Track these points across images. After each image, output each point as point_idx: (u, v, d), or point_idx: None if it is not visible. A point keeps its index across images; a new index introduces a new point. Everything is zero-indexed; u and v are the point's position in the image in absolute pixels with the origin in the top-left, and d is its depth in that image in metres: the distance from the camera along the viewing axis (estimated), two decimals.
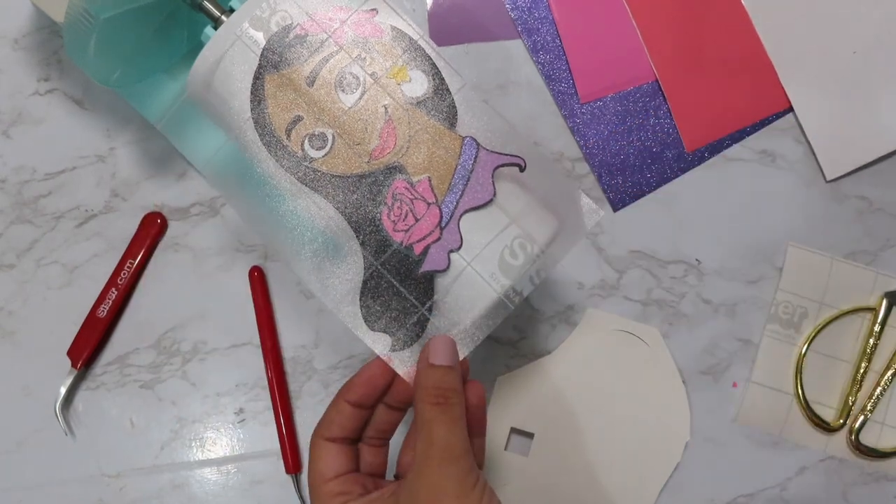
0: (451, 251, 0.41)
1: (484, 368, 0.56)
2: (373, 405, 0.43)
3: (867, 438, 0.56)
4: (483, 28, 0.58)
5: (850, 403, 0.56)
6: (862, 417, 0.56)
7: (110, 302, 0.55)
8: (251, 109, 0.42)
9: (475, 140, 0.42)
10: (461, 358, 0.42)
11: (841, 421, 0.56)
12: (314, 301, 0.56)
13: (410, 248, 0.41)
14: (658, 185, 0.58)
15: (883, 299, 0.56)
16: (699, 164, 0.58)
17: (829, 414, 0.56)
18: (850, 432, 0.56)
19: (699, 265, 0.58)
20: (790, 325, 0.57)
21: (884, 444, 0.56)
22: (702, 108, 0.58)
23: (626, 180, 0.58)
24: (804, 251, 0.57)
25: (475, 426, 0.42)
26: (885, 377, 0.56)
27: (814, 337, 0.56)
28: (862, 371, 0.56)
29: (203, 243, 0.57)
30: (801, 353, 0.56)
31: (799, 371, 0.56)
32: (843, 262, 0.57)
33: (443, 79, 0.42)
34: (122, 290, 0.56)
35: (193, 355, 0.56)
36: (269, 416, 0.56)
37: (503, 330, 0.57)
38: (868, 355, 0.56)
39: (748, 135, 0.58)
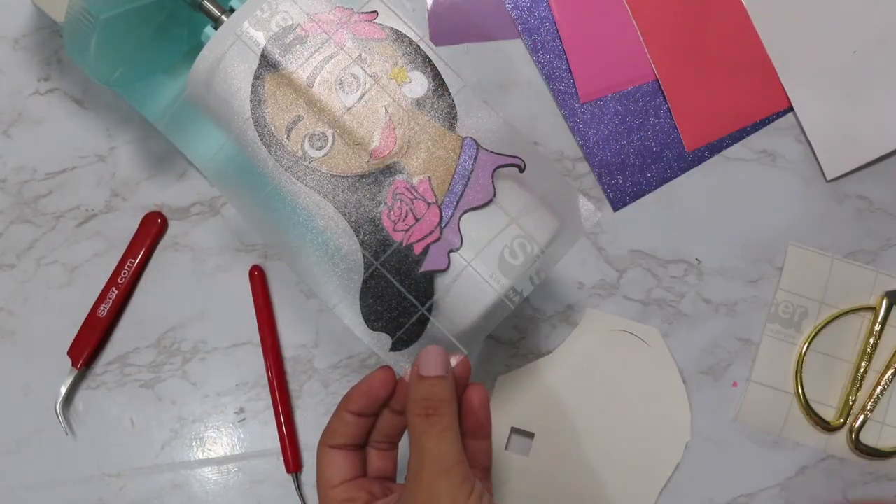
0: (452, 251, 0.41)
1: (484, 368, 0.56)
2: (375, 413, 0.42)
3: (867, 438, 0.56)
4: (483, 28, 0.58)
5: (851, 403, 0.56)
6: (862, 417, 0.56)
7: (110, 301, 0.55)
8: (251, 109, 0.42)
9: (475, 140, 0.42)
10: (464, 355, 0.42)
11: (841, 420, 0.56)
12: (314, 301, 0.56)
13: (410, 248, 0.41)
14: (658, 185, 0.58)
15: (883, 299, 0.56)
16: (699, 163, 0.58)
17: (829, 413, 0.56)
18: (851, 431, 0.56)
19: (699, 265, 0.58)
20: (790, 325, 0.57)
21: (884, 443, 0.56)
22: (702, 107, 0.58)
23: (626, 180, 0.58)
24: (805, 251, 0.57)
25: (479, 429, 0.42)
26: (886, 377, 0.56)
27: (814, 336, 0.56)
28: (862, 370, 0.56)
29: (203, 243, 0.57)
30: (801, 353, 0.56)
31: (799, 370, 0.56)
32: (843, 262, 0.57)
33: (442, 80, 0.42)
34: (122, 290, 0.56)
35: (194, 355, 0.56)
36: (270, 415, 0.56)
37: (503, 330, 0.57)
38: (868, 355, 0.56)
39: (748, 134, 0.58)
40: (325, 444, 0.42)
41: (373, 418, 0.43)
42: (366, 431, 0.43)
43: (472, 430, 0.42)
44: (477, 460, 0.42)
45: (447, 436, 0.38)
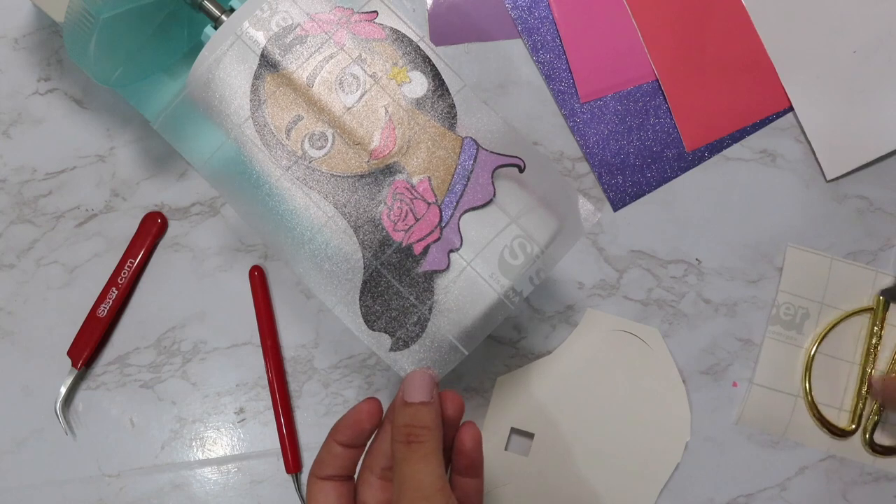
0: (451, 251, 0.41)
1: (484, 368, 0.56)
2: (363, 444, 0.42)
3: (880, 438, 0.56)
4: (483, 28, 0.58)
5: (861, 406, 0.56)
6: (875, 419, 0.56)
7: (110, 302, 0.55)
8: (251, 109, 0.42)
9: (475, 141, 0.42)
10: (466, 353, 0.42)
11: (853, 426, 0.56)
12: (314, 301, 0.56)
13: (410, 248, 0.41)
14: (658, 185, 0.58)
15: (879, 298, 0.56)
16: (699, 163, 0.58)
17: (833, 414, 0.56)
18: (864, 433, 0.56)
19: (699, 265, 0.58)
20: (792, 327, 0.57)
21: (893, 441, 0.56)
22: (702, 107, 0.58)
23: (626, 180, 0.58)
24: (804, 252, 0.57)
25: (471, 468, 0.42)
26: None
27: (822, 339, 0.56)
28: (869, 372, 0.56)
29: (203, 243, 0.57)
30: (809, 356, 0.56)
31: (808, 373, 0.56)
32: (842, 262, 0.57)
33: (442, 80, 0.42)
34: (122, 290, 0.56)
35: (193, 355, 0.56)
36: (270, 415, 0.56)
37: (503, 330, 0.57)
38: (872, 356, 0.56)
39: (748, 134, 0.58)
40: (313, 474, 0.42)
41: (360, 450, 0.42)
42: (354, 462, 0.42)
43: (464, 469, 0.42)
44: (468, 497, 0.42)
45: (429, 462, 0.38)
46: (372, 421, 0.41)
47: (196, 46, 0.44)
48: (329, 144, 0.42)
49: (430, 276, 0.41)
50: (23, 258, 0.57)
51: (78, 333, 0.55)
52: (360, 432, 0.41)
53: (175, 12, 0.48)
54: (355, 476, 0.43)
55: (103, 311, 0.55)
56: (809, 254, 0.57)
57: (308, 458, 0.56)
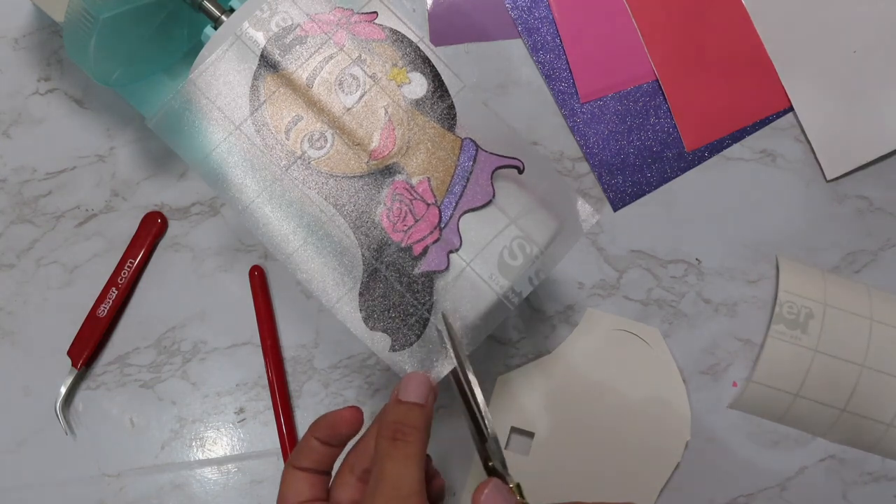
0: (451, 252, 0.41)
1: (484, 368, 0.56)
2: (340, 445, 0.42)
3: None
4: (483, 28, 0.58)
5: None
6: None
7: (110, 302, 0.55)
8: (250, 109, 0.42)
9: (474, 142, 0.42)
10: (465, 354, 0.42)
11: None
12: (314, 301, 0.56)
13: (410, 249, 0.41)
14: (658, 185, 0.58)
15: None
16: (699, 163, 0.58)
17: (834, 414, 0.56)
18: None
19: (699, 265, 0.58)
20: (796, 326, 0.56)
21: None
22: (702, 107, 0.58)
23: (626, 180, 0.58)
24: (794, 263, 0.57)
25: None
26: None
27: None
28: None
29: (203, 243, 0.57)
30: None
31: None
32: (833, 275, 0.57)
33: (442, 81, 0.42)
34: (122, 290, 0.56)
35: (194, 355, 0.56)
36: (270, 415, 0.56)
37: (503, 330, 0.57)
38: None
39: (748, 134, 0.58)
40: (290, 463, 0.42)
41: (338, 449, 0.42)
42: (331, 459, 0.42)
43: None
44: None
45: (410, 463, 0.37)
46: (350, 428, 0.41)
47: (196, 46, 0.44)
48: (329, 145, 0.42)
49: (430, 276, 0.41)
50: (23, 258, 0.57)
51: (78, 333, 0.55)
52: (336, 435, 0.41)
53: (175, 12, 0.48)
54: (332, 472, 0.43)
55: (103, 311, 0.55)
56: (801, 264, 0.57)
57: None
